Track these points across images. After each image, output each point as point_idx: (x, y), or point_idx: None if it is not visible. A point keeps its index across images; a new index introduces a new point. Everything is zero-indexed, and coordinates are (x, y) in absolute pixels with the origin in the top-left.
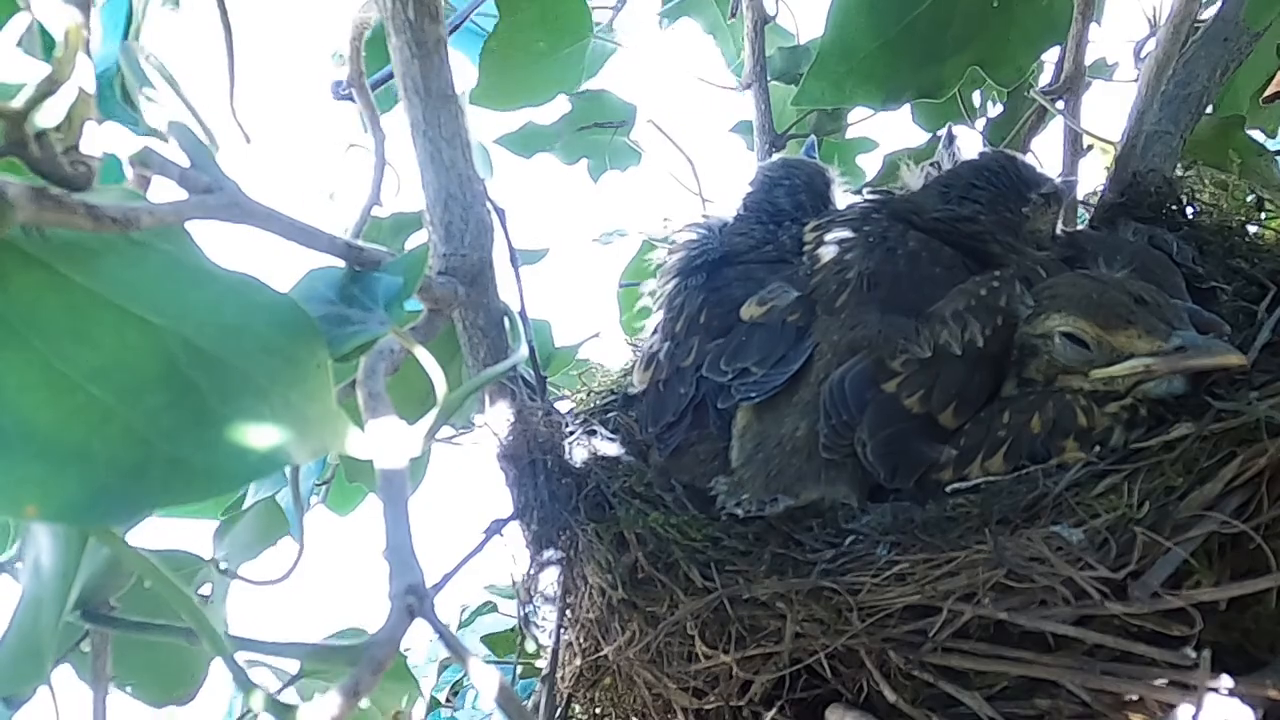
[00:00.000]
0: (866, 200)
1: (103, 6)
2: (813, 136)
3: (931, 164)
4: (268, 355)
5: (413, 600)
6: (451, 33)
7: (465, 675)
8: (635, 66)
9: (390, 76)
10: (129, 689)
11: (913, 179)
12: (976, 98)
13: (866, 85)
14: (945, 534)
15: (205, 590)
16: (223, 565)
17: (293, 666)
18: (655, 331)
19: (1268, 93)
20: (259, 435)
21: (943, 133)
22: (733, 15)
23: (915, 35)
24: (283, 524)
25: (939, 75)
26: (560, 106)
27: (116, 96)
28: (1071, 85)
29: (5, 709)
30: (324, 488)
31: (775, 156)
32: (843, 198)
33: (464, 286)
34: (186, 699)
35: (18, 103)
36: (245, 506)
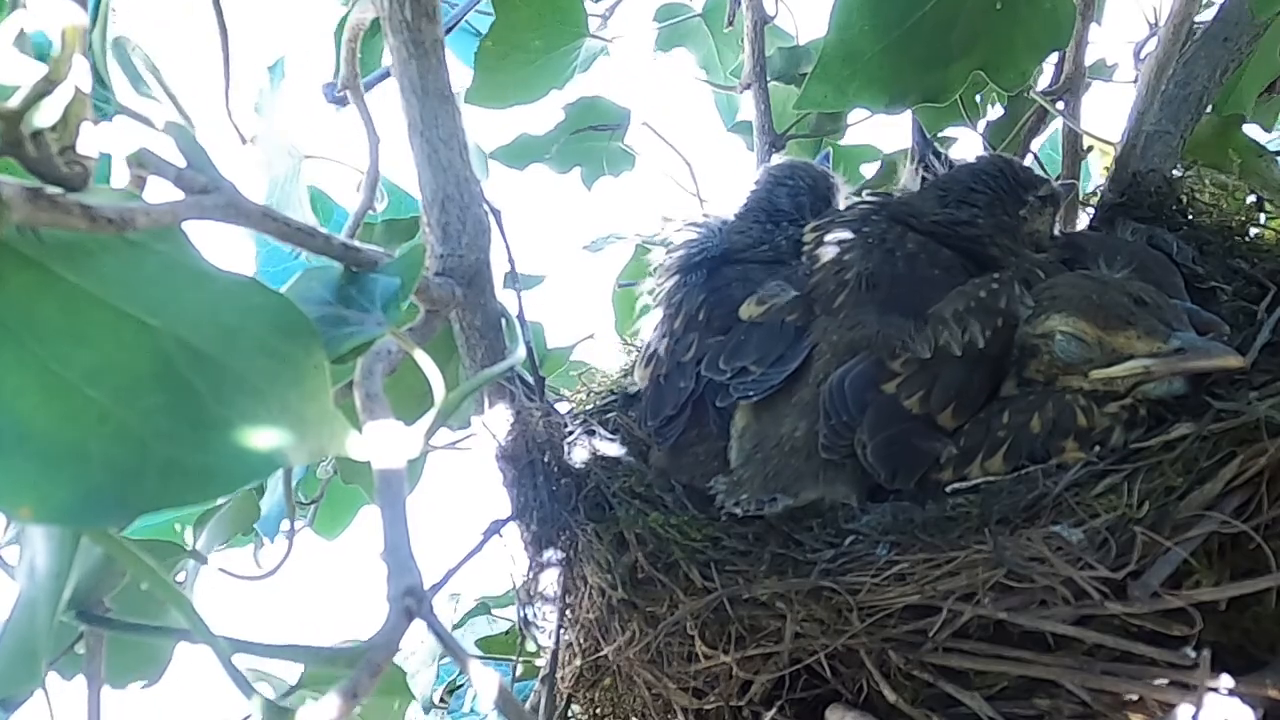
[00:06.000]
0: (866, 202)
1: None
2: (828, 149)
3: (915, 164)
4: (265, 356)
5: (411, 602)
6: (446, 34)
7: (460, 675)
8: (630, 66)
9: (385, 76)
10: None
11: (911, 179)
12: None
13: (870, 89)
14: (945, 534)
15: (179, 577)
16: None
17: (287, 671)
18: (655, 328)
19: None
20: (256, 437)
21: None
22: (730, 24)
23: (919, 38)
24: (254, 514)
25: (943, 79)
26: (554, 115)
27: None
28: (1071, 86)
29: (1, 712)
30: (312, 508)
31: (782, 158)
32: (845, 203)
33: (461, 287)
34: (152, 680)
35: (14, 102)
36: (221, 502)
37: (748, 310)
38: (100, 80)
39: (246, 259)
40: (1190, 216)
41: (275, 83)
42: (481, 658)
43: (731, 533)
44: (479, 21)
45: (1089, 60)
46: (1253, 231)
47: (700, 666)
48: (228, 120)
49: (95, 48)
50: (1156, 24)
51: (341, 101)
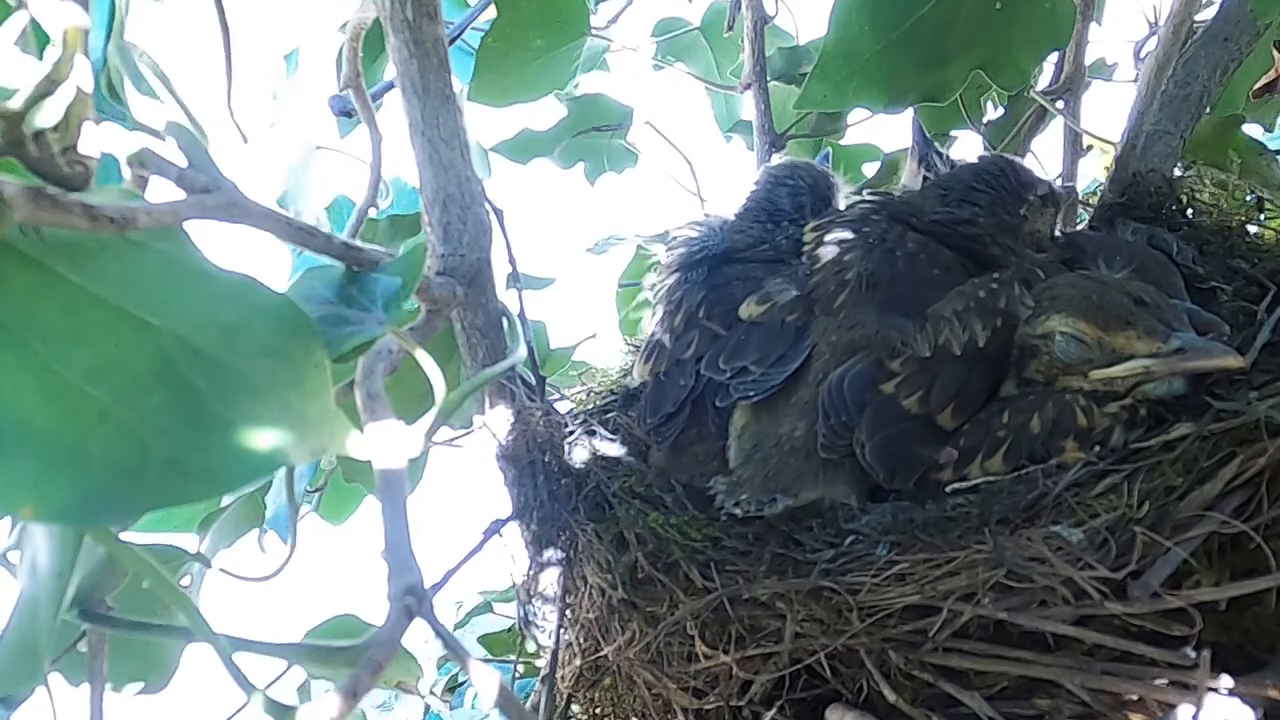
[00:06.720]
0: (866, 202)
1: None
2: (828, 150)
3: (916, 164)
4: (265, 356)
5: (411, 601)
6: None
7: (460, 672)
8: (632, 68)
9: (390, 87)
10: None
11: (912, 179)
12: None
13: (870, 89)
14: (945, 534)
15: (185, 581)
16: (209, 559)
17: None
18: (655, 325)
19: (1258, 85)
20: (257, 436)
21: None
22: (730, 28)
23: (918, 38)
24: (258, 515)
25: (942, 78)
26: (556, 111)
27: (103, 93)
28: (1071, 85)
29: (3, 710)
30: (316, 495)
31: (782, 158)
32: (845, 202)
33: (462, 287)
34: (157, 688)
35: (15, 102)
36: (226, 504)
37: (748, 310)
38: (117, 97)
39: (281, 270)
40: (1190, 216)
41: (290, 72)
42: (483, 659)
43: (731, 533)
44: (476, 40)
45: (1089, 60)
46: (1253, 231)
47: (700, 666)
48: (230, 120)
49: (112, 63)
50: (1156, 24)
51: (348, 114)
